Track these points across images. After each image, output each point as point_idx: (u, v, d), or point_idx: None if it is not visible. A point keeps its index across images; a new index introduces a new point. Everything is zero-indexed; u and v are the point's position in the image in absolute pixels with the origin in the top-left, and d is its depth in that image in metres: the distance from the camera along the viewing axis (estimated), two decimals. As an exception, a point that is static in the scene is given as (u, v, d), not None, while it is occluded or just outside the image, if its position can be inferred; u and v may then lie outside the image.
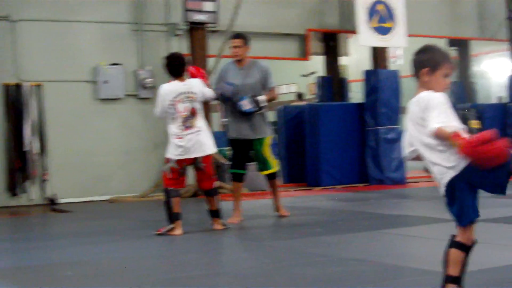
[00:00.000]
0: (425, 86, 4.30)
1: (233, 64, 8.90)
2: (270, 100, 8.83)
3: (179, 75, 7.88)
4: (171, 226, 7.69)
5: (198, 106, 7.83)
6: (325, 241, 7.12)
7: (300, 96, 19.02)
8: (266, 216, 9.21)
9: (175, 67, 7.88)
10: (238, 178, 8.90)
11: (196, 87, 7.87)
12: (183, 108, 7.74)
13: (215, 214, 8.03)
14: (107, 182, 12.38)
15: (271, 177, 9.03)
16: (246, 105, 8.62)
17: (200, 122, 7.82)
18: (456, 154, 4.05)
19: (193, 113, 7.77)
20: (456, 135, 4.00)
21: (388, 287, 5.03)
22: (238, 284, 5.33)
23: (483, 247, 6.47)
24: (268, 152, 8.86)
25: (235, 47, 8.81)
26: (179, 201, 7.79)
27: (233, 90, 8.61)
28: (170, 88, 7.83)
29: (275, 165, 9.00)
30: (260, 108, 8.66)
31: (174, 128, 7.77)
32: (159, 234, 7.67)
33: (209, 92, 8.07)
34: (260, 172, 9.06)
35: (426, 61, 4.30)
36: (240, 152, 8.88)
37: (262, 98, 8.65)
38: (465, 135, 4.03)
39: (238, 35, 8.97)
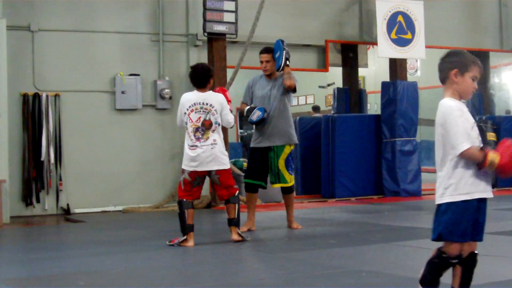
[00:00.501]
0: (452, 89, 4.29)
1: (263, 76, 9.00)
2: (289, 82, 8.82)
3: (201, 86, 7.86)
4: (184, 237, 7.69)
5: (214, 120, 7.76)
6: (339, 253, 7.10)
7: (315, 109, 18.92)
8: (279, 227, 9.20)
9: (198, 77, 7.87)
10: (251, 188, 8.88)
11: (215, 100, 7.80)
12: (195, 118, 7.73)
13: (231, 222, 7.96)
14: (123, 193, 12.39)
15: (286, 191, 9.00)
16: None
17: (215, 135, 7.74)
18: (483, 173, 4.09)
19: (206, 125, 7.72)
20: (485, 153, 4.03)
21: (400, 300, 5.01)
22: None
23: (493, 260, 6.46)
24: (282, 163, 8.79)
25: (266, 62, 8.87)
26: (192, 212, 7.77)
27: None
28: (188, 97, 7.85)
29: (289, 180, 8.87)
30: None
31: (187, 138, 7.79)
32: (171, 245, 7.68)
33: (231, 119, 7.97)
34: (272, 185, 9.01)
35: (455, 63, 4.31)
36: (257, 162, 8.87)
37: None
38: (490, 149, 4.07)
39: (267, 50, 9.00)
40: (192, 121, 7.73)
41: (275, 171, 8.80)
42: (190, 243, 7.67)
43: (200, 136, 7.71)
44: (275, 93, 8.84)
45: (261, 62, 8.93)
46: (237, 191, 7.98)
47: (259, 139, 8.85)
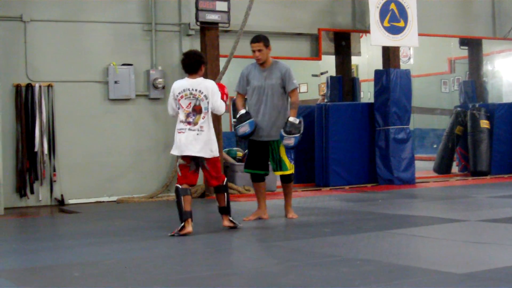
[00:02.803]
0: None
1: (256, 65, 8.92)
2: (295, 104, 8.80)
3: (192, 72, 7.89)
4: (182, 225, 7.71)
5: (204, 106, 7.80)
6: (333, 242, 7.12)
7: None
8: (274, 216, 9.20)
9: (188, 63, 7.91)
10: (256, 178, 8.91)
11: (204, 86, 7.84)
12: (186, 104, 7.77)
13: (223, 210, 8.05)
14: (117, 183, 12.40)
15: (286, 179, 9.01)
16: (288, 143, 8.59)
17: (205, 122, 7.79)
18: None
19: (196, 110, 7.76)
20: None
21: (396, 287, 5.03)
22: (247, 284, 5.34)
23: (487, 247, 6.49)
24: (283, 151, 8.79)
25: (258, 51, 8.80)
26: (189, 199, 7.79)
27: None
28: (179, 84, 7.91)
29: (290, 167, 8.88)
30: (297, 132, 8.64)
31: (178, 123, 7.84)
32: (172, 236, 7.69)
33: (222, 106, 7.99)
34: (274, 172, 9.02)
35: None
36: (257, 152, 8.88)
37: (292, 121, 8.62)
38: None
39: (258, 38, 8.91)
40: (183, 107, 7.79)
41: (277, 158, 8.80)
42: (188, 229, 7.68)
43: (191, 120, 7.77)
44: (270, 84, 8.78)
45: (253, 51, 8.83)
46: (225, 179, 8.06)
47: (258, 132, 8.79)
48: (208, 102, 7.81)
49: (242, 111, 8.74)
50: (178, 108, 7.83)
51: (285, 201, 9.10)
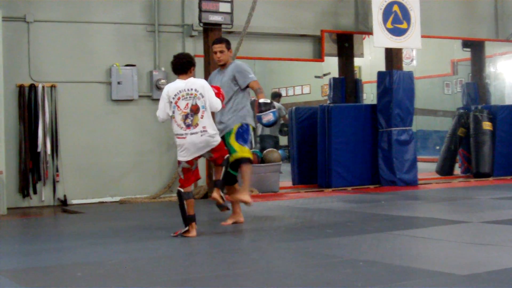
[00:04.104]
0: None
1: (219, 69, 8.91)
2: (259, 89, 8.66)
3: (181, 72, 7.88)
4: (186, 228, 7.71)
5: (201, 104, 7.76)
6: (336, 243, 7.12)
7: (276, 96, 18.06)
8: (276, 217, 9.21)
9: (177, 65, 7.89)
10: (229, 180, 8.68)
11: (198, 85, 7.82)
12: (183, 105, 7.73)
13: (216, 183, 8.18)
14: (120, 183, 12.42)
15: (238, 162, 8.49)
16: (269, 118, 8.54)
17: (205, 121, 7.75)
18: None
19: (193, 111, 7.73)
20: None
21: (397, 289, 5.03)
22: (250, 285, 5.34)
23: (489, 249, 6.49)
24: (232, 138, 8.50)
25: (219, 52, 8.74)
26: (192, 202, 7.78)
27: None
28: (173, 86, 7.84)
29: (241, 150, 8.45)
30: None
31: (175, 127, 7.77)
32: (175, 236, 7.70)
33: (218, 103, 7.97)
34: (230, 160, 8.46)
35: None
36: None
37: (263, 101, 8.52)
38: None
39: (220, 40, 8.92)
40: (180, 108, 7.72)
41: (228, 148, 8.40)
42: (193, 233, 7.69)
43: (190, 122, 7.71)
44: (225, 80, 8.69)
45: (215, 52, 8.78)
46: (227, 155, 8.10)
47: (219, 131, 8.46)
48: (204, 101, 7.79)
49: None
50: (174, 111, 7.75)
51: (242, 184, 8.61)
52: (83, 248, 7.30)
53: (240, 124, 8.61)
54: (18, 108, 11.73)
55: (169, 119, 7.86)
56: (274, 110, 8.54)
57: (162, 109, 7.86)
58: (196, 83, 7.85)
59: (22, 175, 11.67)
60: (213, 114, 8.13)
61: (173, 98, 7.75)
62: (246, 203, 8.41)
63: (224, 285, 5.35)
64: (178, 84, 7.83)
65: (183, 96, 7.74)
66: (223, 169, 8.06)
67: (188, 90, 7.76)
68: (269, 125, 8.67)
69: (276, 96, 17.28)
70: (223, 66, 8.82)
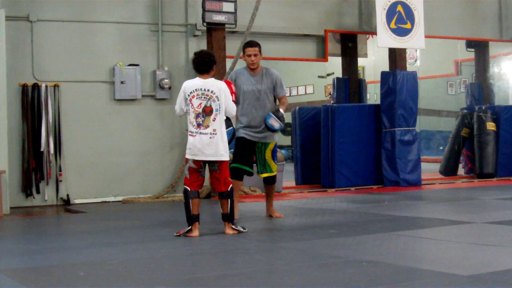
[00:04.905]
0: None
1: (245, 70, 9.00)
2: (285, 103, 9.01)
3: (204, 71, 7.82)
4: (189, 228, 7.70)
5: (216, 107, 7.70)
6: (339, 243, 7.11)
7: None
8: (279, 217, 9.19)
9: (203, 62, 7.82)
10: (238, 175, 8.95)
11: (216, 87, 7.75)
12: (197, 104, 7.69)
13: (226, 218, 7.93)
14: (123, 183, 12.41)
15: (269, 181, 9.15)
16: (274, 123, 8.69)
17: (216, 124, 7.69)
18: None
19: (206, 112, 7.69)
20: None
21: (400, 290, 5.02)
22: (252, 285, 5.32)
23: (493, 249, 6.48)
24: (269, 155, 8.96)
25: (254, 55, 8.87)
26: (198, 202, 7.76)
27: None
28: (191, 83, 7.80)
29: (275, 169, 9.07)
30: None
31: (189, 124, 7.76)
32: (177, 236, 7.69)
33: (234, 109, 7.96)
34: (259, 174, 9.13)
35: None
36: (246, 150, 8.96)
37: (282, 112, 8.80)
38: None
39: (254, 43, 9.02)
40: (193, 106, 7.69)
41: (262, 161, 8.99)
42: (195, 233, 7.67)
43: (201, 122, 7.67)
44: (262, 89, 8.92)
45: (249, 55, 8.91)
46: (231, 185, 7.93)
47: (249, 131, 8.90)
48: (219, 104, 7.74)
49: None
50: (188, 108, 7.76)
51: (269, 202, 9.26)
52: (86, 247, 7.30)
53: (275, 142, 9.09)
54: (21, 108, 11.73)
55: (184, 115, 7.92)
56: (281, 124, 8.81)
57: (179, 104, 7.87)
58: (214, 85, 7.78)
59: (25, 174, 11.67)
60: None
61: (188, 95, 7.72)
62: (280, 216, 9.13)
63: (227, 285, 5.34)
64: (196, 82, 7.79)
65: (197, 95, 7.70)
66: (229, 201, 7.92)
67: (204, 90, 7.71)
68: (269, 127, 8.78)
69: None
70: (254, 70, 8.92)
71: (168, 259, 6.54)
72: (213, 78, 7.87)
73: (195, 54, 7.98)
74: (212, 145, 7.67)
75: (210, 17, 12.31)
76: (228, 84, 8.17)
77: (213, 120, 7.69)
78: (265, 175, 9.04)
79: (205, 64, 7.82)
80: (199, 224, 7.76)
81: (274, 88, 8.96)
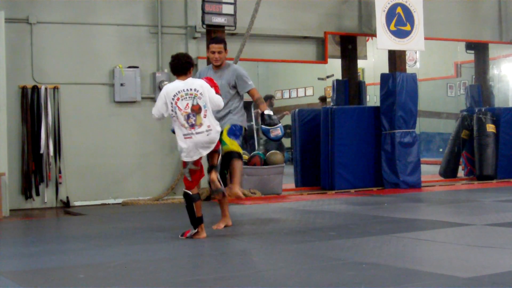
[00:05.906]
0: None
1: (210, 68, 8.87)
2: (259, 99, 8.75)
3: (182, 73, 7.79)
4: (195, 231, 7.70)
5: (203, 104, 7.67)
6: (339, 245, 7.10)
7: (323, 99, 18.65)
8: (279, 219, 9.20)
9: (178, 64, 7.80)
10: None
11: (197, 85, 7.73)
12: (184, 105, 7.66)
13: (212, 167, 7.90)
14: (122, 185, 12.42)
15: (228, 156, 8.45)
16: (277, 133, 8.55)
17: (208, 120, 7.67)
18: None
19: (196, 110, 7.66)
20: None
21: (400, 292, 5.02)
22: (252, 287, 5.32)
23: (493, 251, 6.47)
24: (225, 134, 8.44)
25: (218, 52, 8.68)
26: (200, 204, 7.76)
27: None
28: (172, 86, 7.75)
29: (230, 143, 8.42)
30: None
31: (179, 129, 7.68)
32: (183, 238, 7.68)
33: (220, 100, 7.90)
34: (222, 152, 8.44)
35: None
36: None
37: (268, 113, 8.56)
38: None
39: (219, 40, 8.88)
40: (181, 109, 7.64)
41: (222, 143, 8.36)
42: (203, 234, 7.70)
43: (194, 122, 7.63)
44: (223, 84, 8.63)
45: (213, 52, 8.70)
46: (220, 146, 7.97)
47: None
48: (205, 101, 7.68)
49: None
50: (176, 112, 7.65)
51: (232, 178, 8.51)
52: (85, 250, 7.29)
53: (231, 124, 8.58)
54: (20, 110, 11.73)
55: (163, 119, 7.87)
56: (280, 125, 8.59)
57: (158, 108, 7.77)
58: (195, 83, 7.77)
59: (24, 177, 11.68)
60: None
61: (172, 99, 7.64)
62: (238, 197, 8.38)
63: (227, 286, 5.33)
64: (177, 84, 7.75)
65: (182, 96, 7.66)
66: (218, 155, 7.91)
67: (187, 90, 7.68)
68: (276, 139, 8.67)
69: (268, 98, 17.41)
70: (218, 66, 8.77)
71: (168, 261, 6.54)
72: (191, 78, 7.86)
73: (172, 57, 7.96)
74: (210, 140, 7.68)
75: (210, 19, 12.29)
76: (209, 79, 8.09)
77: (204, 117, 7.66)
78: (222, 152, 8.29)
79: (182, 65, 7.80)
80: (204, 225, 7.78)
81: (235, 83, 8.67)
